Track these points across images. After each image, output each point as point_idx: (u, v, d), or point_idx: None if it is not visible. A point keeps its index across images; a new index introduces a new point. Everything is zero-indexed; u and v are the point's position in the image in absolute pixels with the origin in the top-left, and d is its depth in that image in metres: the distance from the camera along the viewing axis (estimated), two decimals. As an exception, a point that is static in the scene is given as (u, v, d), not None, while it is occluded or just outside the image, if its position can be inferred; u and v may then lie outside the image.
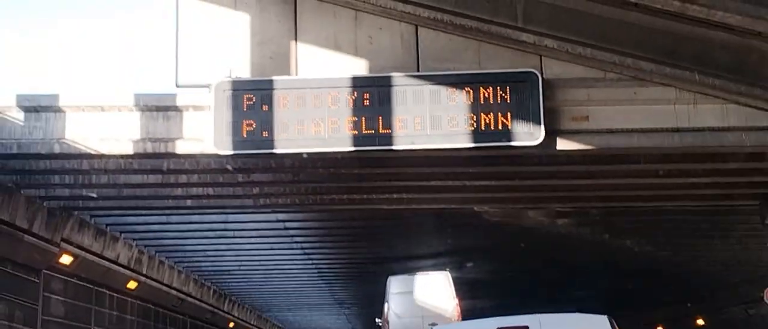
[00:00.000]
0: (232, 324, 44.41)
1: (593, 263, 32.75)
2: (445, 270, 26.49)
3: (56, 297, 22.63)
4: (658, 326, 47.27)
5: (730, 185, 19.77)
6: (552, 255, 30.99)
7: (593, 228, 26.82)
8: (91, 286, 24.98)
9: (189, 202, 21.04)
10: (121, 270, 26.38)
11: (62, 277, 22.84)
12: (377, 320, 28.47)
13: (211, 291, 38.19)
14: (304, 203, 21.59)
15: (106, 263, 25.05)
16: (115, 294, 27.03)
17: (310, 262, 33.08)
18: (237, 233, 26.82)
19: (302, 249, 30.15)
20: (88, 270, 24.16)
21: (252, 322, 49.88)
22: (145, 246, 28.10)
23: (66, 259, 22.39)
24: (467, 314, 26.77)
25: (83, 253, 23.29)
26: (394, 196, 20.55)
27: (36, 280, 21.22)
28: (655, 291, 40.07)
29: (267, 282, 38.75)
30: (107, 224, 24.64)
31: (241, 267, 34.10)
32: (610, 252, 30.36)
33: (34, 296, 21.12)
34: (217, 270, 34.76)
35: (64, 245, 21.88)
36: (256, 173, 18.67)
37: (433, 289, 25.24)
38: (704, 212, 23.50)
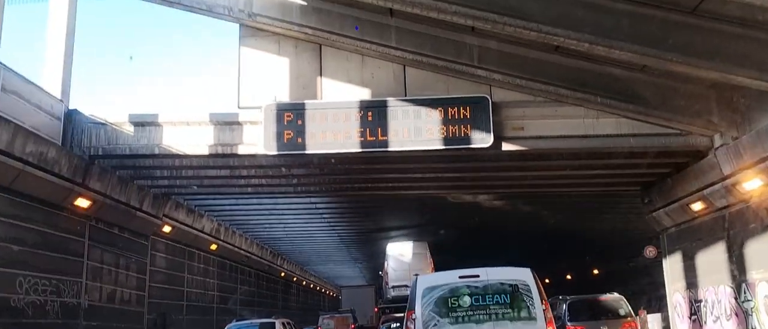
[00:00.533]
0: (282, 274, 43.54)
1: (522, 232, 31.96)
2: (424, 241, 26.67)
3: (160, 254, 21.77)
4: (567, 274, 46.46)
5: (619, 176, 18.94)
6: (495, 227, 30.28)
7: (523, 208, 25.91)
8: (185, 247, 24.10)
9: (250, 189, 20.21)
10: (205, 236, 25.52)
11: (164, 240, 21.97)
12: (380, 272, 28.93)
13: (268, 251, 37.32)
14: (328, 190, 20.79)
15: (195, 231, 24.18)
16: (201, 253, 26.15)
17: (333, 231, 32.24)
18: (283, 212, 25.98)
19: (328, 222, 29.32)
20: (182, 236, 23.29)
21: (297, 272, 49.02)
22: (222, 221, 27.24)
23: (166, 229, 21.54)
24: (438, 266, 27.22)
25: (179, 224, 22.44)
26: (389, 185, 19.74)
27: (145, 243, 20.36)
28: (564, 251, 39.34)
29: (305, 245, 37.91)
30: (195, 205, 23.77)
31: (288, 235, 33.28)
32: (533, 224, 29.48)
33: (144, 253, 20.27)
34: (271, 237, 33.88)
35: (164, 218, 21.02)
36: (294, 169, 17.86)
37: (417, 252, 25.57)
38: (599, 196, 22.65)
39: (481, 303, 8.16)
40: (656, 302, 33.79)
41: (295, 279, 49.15)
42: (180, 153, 15.64)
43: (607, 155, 16.42)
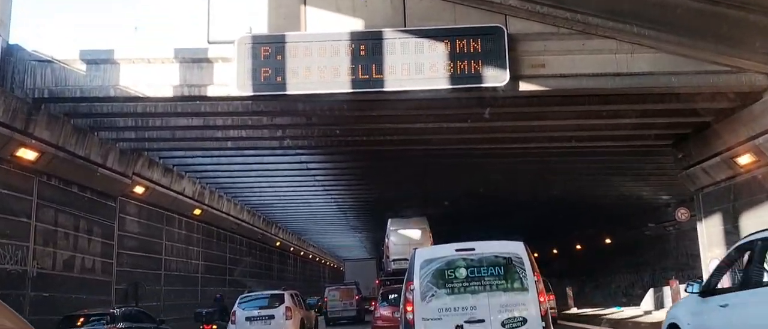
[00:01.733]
0: (278, 243, 41.55)
1: (532, 200, 29.42)
2: (424, 216, 26.48)
3: (132, 217, 19.62)
4: (577, 244, 44.41)
5: (650, 126, 16.69)
6: (503, 194, 28.05)
7: (536, 170, 23.33)
8: (163, 211, 21.96)
9: (229, 145, 17.99)
10: (187, 200, 23.34)
11: (136, 203, 19.82)
12: (382, 247, 29.23)
13: (261, 218, 35.21)
14: (318, 146, 18.51)
15: (173, 194, 22.00)
16: (183, 218, 24.03)
17: (329, 197, 30.00)
18: (273, 174, 23.68)
19: (322, 186, 27.08)
20: (159, 199, 21.14)
21: (294, 242, 47.01)
22: (206, 183, 25.06)
23: (139, 189, 19.38)
24: (442, 238, 25.20)
25: (154, 185, 20.26)
26: (387, 138, 17.43)
27: (112, 204, 18.19)
28: (576, 218, 37.14)
29: (300, 213, 35.75)
30: (173, 165, 21.55)
31: (280, 201, 31.09)
32: (544, 191, 27.15)
33: (111, 216, 18.11)
34: (262, 203, 31.72)
35: (135, 178, 18.83)
36: (277, 117, 15.63)
37: (417, 227, 25.71)
38: (624, 154, 20.14)
39: (476, 274, 8.51)
40: (665, 274, 32.00)
41: (292, 249, 47.18)
42: (140, 95, 13.37)
43: (641, 99, 14.15)
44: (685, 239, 30.13)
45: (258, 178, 24.74)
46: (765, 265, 7.09)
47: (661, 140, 17.64)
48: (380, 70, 12.56)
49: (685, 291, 8.96)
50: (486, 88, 12.59)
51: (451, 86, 12.53)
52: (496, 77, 12.39)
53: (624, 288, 36.95)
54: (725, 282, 8.49)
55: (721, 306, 7.25)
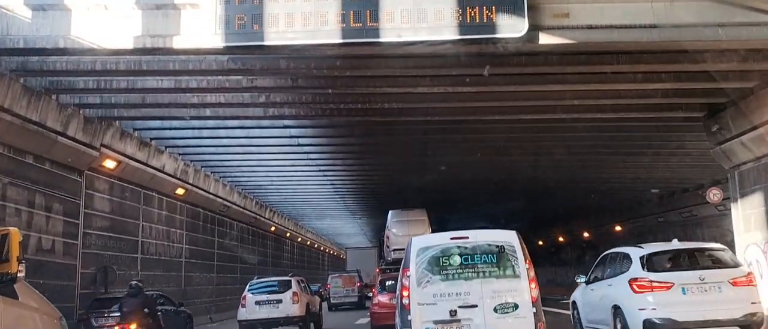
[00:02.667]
0: (273, 228, 39.73)
1: (538, 185, 27.72)
2: (423, 208, 26.95)
3: (101, 194, 17.77)
4: (585, 231, 42.57)
5: (684, 94, 14.76)
6: (507, 177, 26.35)
7: (546, 150, 21.30)
8: (139, 189, 20.10)
9: (208, 112, 16.08)
10: (168, 177, 21.46)
11: (107, 178, 17.97)
12: (382, 237, 29.43)
13: (254, 202, 33.33)
14: (307, 115, 16.53)
15: (152, 170, 20.11)
16: (164, 198, 22.19)
17: (325, 178, 28.08)
18: (261, 150, 21.75)
19: (317, 165, 25.19)
20: (135, 175, 19.29)
21: (290, 227, 45.16)
22: (191, 161, 23.19)
23: (109, 164, 17.54)
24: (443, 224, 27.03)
25: (128, 160, 18.39)
26: (386, 106, 15.44)
27: (78, 179, 16.34)
28: (586, 205, 35.29)
29: (295, 196, 33.91)
30: (151, 139, 19.67)
31: (273, 183, 29.21)
32: (552, 174, 25.35)
33: (76, 192, 16.26)
34: (254, 184, 29.87)
35: (105, 150, 16.95)
36: (257, 78, 13.69)
37: (417, 218, 26.14)
38: (650, 128, 18.10)
39: (470, 262, 8.81)
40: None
41: (288, 235, 45.35)
42: (96, 47, 11.43)
43: (677, 58, 12.22)
44: (704, 226, 28.39)
45: (246, 155, 22.85)
46: (604, 268, 11.96)
47: (693, 111, 15.70)
48: (376, 16, 10.63)
49: (576, 281, 13.06)
50: (500, 39, 10.66)
51: (458, 37, 10.59)
52: (512, 27, 10.44)
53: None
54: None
55: (591, 290, 12.17)
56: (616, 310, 10.71)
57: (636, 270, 10.55)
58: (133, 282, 13.75)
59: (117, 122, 17.17)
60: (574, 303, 13.06)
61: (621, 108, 15.64)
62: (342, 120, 17.25)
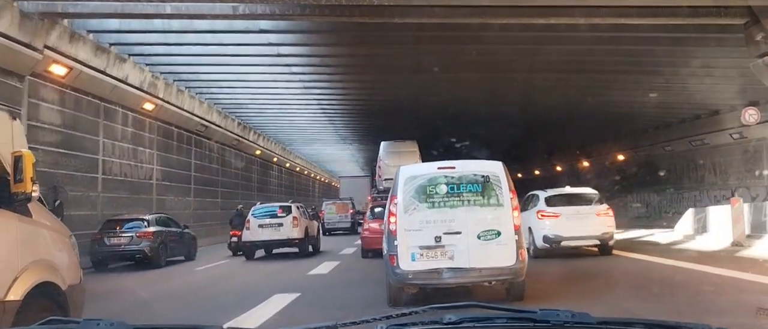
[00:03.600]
0: (258, 152, 37.79)
1: (544, 110, 26.18)
2: (414, 140, 27.12)
3: (50, 105, 15.66)
4: (584, 160, 40.79)
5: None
6: (512, 105, 24.87)
7: (556, 63, 19.12)
8: (98, 101, 17.96)
9: (169, 8, 13.73)
10: (132, 89, 19.30)
11: (57, 87, 15.81)
12: (375, 167, 29.42)
13: (236, 122, 31.21)
14: (285, 13, 14.18)
15: (113, 81, 17.94)
16: (129, 113, 20.08)
17: (311, 97, 25.91)
18: (238, 61, 19.52)
19: (301, 81, 22.96)
20: (92, 85, 17.15)
21: (277, 152, 43.18)
22: (161, 73, 20.97)
23: (59, 70, 15.40)
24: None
25: (82, 67, 16.20)
26: (375, 2, 13.10)
27: (18, 85, 14.17)
28: (587, 132, 33.42)
29: (281, 118, 31.89)
30: (111, 44, 17.39)
31: (255, 101, 27.10)
32: (561, 96, 23.44)
33: (16, 100, 14.11)
34: (235, 103, 27.80)
35: (52, 53, 14.74)
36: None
37: (408, 149, 26.39)
38: (676, 40, 15.66)
39: (455, 191, 9.02)
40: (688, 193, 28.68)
41: (275, 160, 43.43)
42: None
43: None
44: (715, 155, 26.58)
45: (222, 68, 20.68)
46: (527, 203, 16.25)
47: (735, 17, 13.46)
48: None
49: None
50: None
51: None
52: None
53: (650, 210, 33.48)
54: None
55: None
56: (530, 230, 15.24)
57: (541, 205, 15.73)
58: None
59: (64, 20, 14.86)
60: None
61: (649, 12, 13.40)
62: (325, 22, 14.97)
